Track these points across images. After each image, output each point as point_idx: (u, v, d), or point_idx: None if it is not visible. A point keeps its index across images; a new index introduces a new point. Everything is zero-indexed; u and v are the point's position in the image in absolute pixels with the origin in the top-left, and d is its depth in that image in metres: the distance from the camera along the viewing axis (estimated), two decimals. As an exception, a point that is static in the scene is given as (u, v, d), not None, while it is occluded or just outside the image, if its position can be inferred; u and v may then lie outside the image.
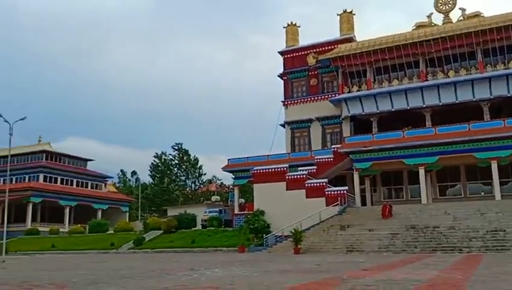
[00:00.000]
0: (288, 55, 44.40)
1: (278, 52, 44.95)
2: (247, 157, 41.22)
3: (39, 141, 67.23)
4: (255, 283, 8.97)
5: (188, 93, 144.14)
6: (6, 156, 44.16)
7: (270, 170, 34.08)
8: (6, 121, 31.72)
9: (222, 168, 42.62)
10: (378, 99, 37.69)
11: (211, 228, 38.77)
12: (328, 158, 35.41)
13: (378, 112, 37.83)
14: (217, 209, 45.12)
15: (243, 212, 38.42)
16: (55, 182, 62.69)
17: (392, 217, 29.21)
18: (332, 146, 37.31)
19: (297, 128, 42.70)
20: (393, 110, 37.32)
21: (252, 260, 18.18)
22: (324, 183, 32.17)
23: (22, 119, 35.16)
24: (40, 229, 53.58)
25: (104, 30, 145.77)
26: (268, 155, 40.32)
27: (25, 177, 61.03)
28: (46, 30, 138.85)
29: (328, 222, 29.53)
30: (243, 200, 44.77)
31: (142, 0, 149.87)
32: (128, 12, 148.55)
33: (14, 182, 58.84)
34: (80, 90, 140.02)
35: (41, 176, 61.10)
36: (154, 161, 76.67)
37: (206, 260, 19.36)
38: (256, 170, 34.73)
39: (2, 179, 60.01)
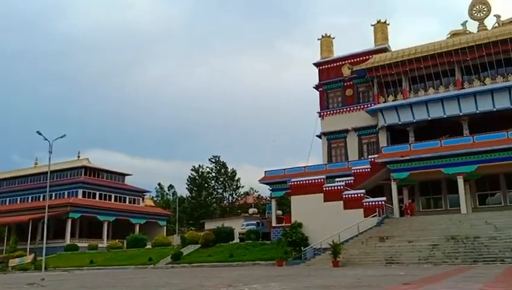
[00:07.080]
0: (323, 67, 44.69)
1: (313, 63, 45.26)
2: (284, 169, 41.17)
3: (78, 156, 67.77)
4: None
5: (224, 104, 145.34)
6: (46, 172, 43.22)
7: (307, 182, 33.95)
8: (46, 139, 32.07)
9: (259, 181, 42.73)
10: (414, 109, 37.48)
11: (248, 241, 38.72)
12: (365, 169, 35.03)
13: (414, 121, 37.59)
14: (254, 222, 45.07)
15: (280, 225, 38.27)
16: (94, 197, 63.27)
17: (415, 215, 29.91)
18: (369, 156, 36.83)
19: (333, 139, 42.72)
20: (429, 119, 37.10)
21: (292, 275, 18.03)
22: (362, 194, 31.86)
23: (61, 137, 35.44)
24: (79, 244, 54.40)
25: (140, 48, 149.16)
26: (305, 166, 40.27)
27: (64, 192, 62.10)
28: (96, 48, 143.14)
29: (366, 233, 29.22)
30: (280, 213, 44.61)
31: (177, 18, 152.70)
32: (165, 32, 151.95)
33: (53, 197, 60.00)
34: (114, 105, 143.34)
35: (80, 192, 61.78)
36: (192, 174, 76.65)
37: (244, 275, 19.03)
38: (294, 181, 34.73)
39: (42, 195, 61.13)
